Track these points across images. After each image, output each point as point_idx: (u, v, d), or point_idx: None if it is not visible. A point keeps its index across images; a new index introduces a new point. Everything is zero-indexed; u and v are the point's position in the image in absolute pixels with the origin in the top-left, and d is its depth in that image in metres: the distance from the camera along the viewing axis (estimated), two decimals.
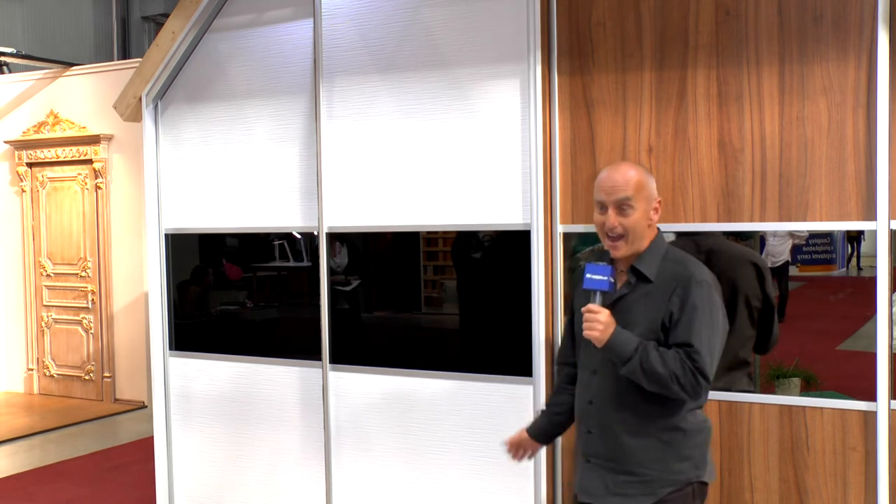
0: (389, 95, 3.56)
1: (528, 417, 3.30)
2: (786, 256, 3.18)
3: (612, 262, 2.58)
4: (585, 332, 2.48)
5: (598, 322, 2.44)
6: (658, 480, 2.48)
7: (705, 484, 2.53)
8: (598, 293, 2.48)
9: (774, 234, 3.10)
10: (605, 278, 2.48)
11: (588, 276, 2.51)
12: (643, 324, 2.46)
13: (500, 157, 3.36)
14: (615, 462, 2.52)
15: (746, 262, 3.14)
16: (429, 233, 3.58)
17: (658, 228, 2.56)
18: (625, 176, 2.50)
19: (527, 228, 3.30)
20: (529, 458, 2.84)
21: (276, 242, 3.92)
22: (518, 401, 3.34)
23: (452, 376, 3.47)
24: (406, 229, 3.57)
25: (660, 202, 2.54)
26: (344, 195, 3.67)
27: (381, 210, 3.60)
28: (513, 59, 3.30)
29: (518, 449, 2.80)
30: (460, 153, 3.43)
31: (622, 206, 2.48)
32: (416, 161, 3.52)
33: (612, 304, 2.51)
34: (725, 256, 3.14)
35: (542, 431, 2.78)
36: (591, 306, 2.48)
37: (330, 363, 3.72)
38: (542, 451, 3.25)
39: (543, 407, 2.85)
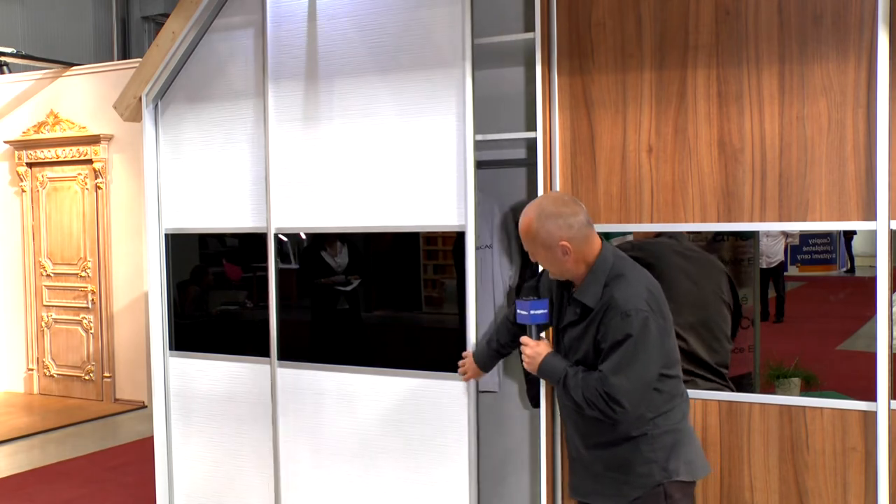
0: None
1: (465, 413, 3.38)
2: (780, 256, 3.18)
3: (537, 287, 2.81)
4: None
5: (526, 355, 2.67)
6: (625, 484, 2.56)
7: (685, 483, 2.55)
8: (531, 326, 2.69)
9: (767, 233, 3.10)
10: (541, 312, 2.68)
11: (519, 311, 2.71)
12: (587, 348, 2.55)
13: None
14: (588, 464, 2.65)
15: (720, 271, 3.18)
16: (429, 233, 3.57)
17: (603, 244, 2.59)
18: (521, 224, 2.60)
19: None
20: (466, 379, 3.26)
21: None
22: (454, 397, 3.41)
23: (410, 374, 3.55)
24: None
25: (565, 244, 2.51)
26: (293, 196, 3.76)
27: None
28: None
29: (464, 365, 3.20)
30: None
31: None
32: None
33: (567, 327, 2.62)
34: (703, 262, 3.19)
35: (483, 362, 3.13)
36: (523, 339, 2.71)
37: (278, 360, 3.83)
38: (542, 452, 3.28)
39: (489, 337, 3.10)
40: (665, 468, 2.52)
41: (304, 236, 3.81)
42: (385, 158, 3.55)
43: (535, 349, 2.65)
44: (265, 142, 3.79)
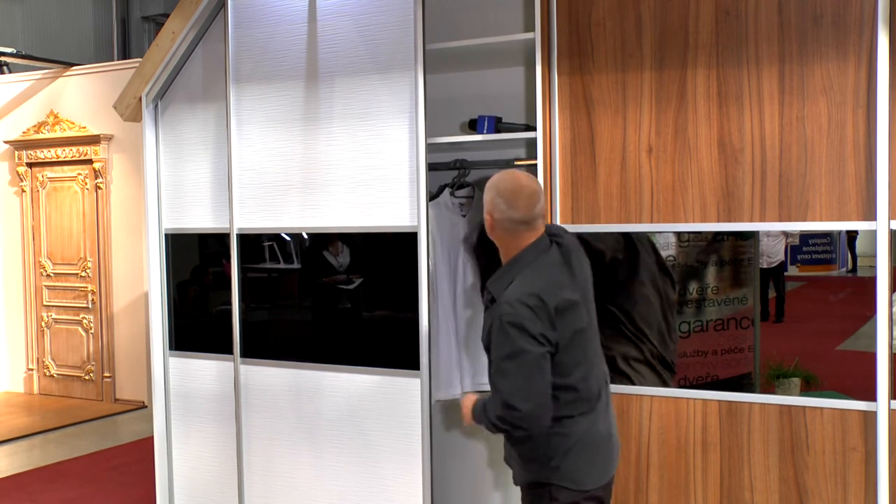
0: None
1: (415, 406, 3.47)
2: (780, 256, 3.18)
3: None
4: None
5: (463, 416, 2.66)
6: (519, 470, 2.61)
7: (571, 490, 2.50)
8: None
9: (767, 233, 3.10)
10: None
11: None
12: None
13: None
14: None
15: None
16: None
17: (533, 246, 2.53)
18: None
19: None
20: None
21: (266, 244, 3.92)
22: (407, 392, 3.49)
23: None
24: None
25: (488, 217, 2.57)
26: (251, 198, 3.84)
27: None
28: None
29: None
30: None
31: None
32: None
33: (485, 309, 2.63)
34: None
35: None
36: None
37: (241, 357, 3.90)
38: None
39: None
40: (548, 467, 2.50)
41: (305, 236, 3.82)
42: (346, 161, 3.62)
43: (464, 402, 2.65)
44: (228, 143, 3.87)
